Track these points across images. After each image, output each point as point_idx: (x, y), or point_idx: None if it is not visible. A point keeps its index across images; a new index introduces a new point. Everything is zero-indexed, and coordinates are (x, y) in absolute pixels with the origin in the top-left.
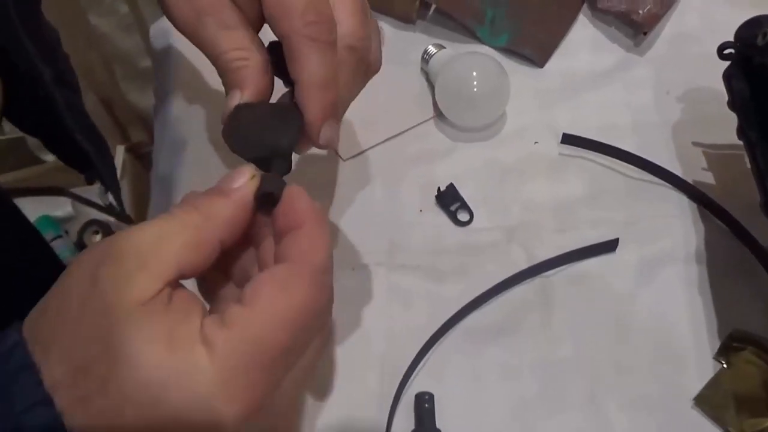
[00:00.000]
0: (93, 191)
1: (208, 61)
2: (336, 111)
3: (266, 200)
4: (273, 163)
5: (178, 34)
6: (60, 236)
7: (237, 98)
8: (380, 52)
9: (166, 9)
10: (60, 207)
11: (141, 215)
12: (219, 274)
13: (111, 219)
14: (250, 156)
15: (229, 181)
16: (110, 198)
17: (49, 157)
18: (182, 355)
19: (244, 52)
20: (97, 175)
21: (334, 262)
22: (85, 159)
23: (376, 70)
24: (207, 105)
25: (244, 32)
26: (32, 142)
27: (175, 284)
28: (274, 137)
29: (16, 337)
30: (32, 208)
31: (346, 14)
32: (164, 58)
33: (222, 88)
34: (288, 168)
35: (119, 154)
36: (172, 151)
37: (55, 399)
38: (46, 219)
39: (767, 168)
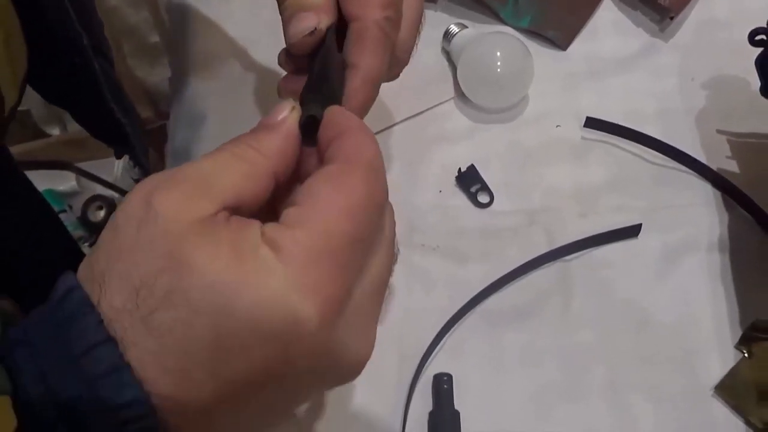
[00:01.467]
0: (98, 166)
1: (225, 36)
2: (367, 109)
3: (310, 126)
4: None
5: (196, 7)
6: (64, 211)
7: (313, 22)
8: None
9: None
10: (64, 181)
11: None
12: (270, 216)
13: (115, 194)
14: (314, 84)
15: (272, 116)
16: (138, 173)
17: (55, 131)
18: (250, 258)
19: None
20: (127, 149)
21: None
22: (117, 131)
23: (396, 77)
24: (224, 80)
25: None
26: (38, 114)
27: (231, 212)
28: (336, 80)
29: (70, 282)
30: (36, 182)
31: (409, 23)
32: (180, 32)
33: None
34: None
35: None
36: (189, 125)
37: (117, 331)
38: (50, 193)
39: None
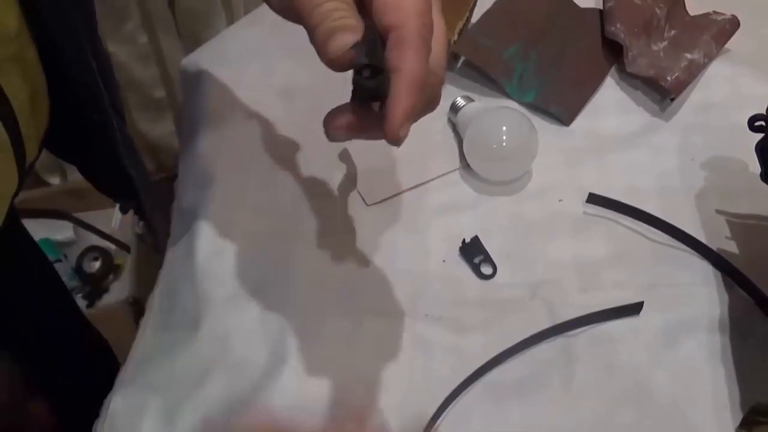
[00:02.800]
0: (96, 216)
1: (236, 98)
2: (414, 116)
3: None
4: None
5: (208, 69)
6: (59, 260)
7: (351, 39)
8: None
9: None
10: (61, 231)
11: (142, 244)
12: None
13: (112, 246)
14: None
15: None
16: (142, 227)
17: (55, 180)
18: None
19: (346, 7)
20: (134, 203)
21: (356, 307)
22: (126, 187)
23: (434, 108)
24: (235, 141)
25: None
26: (39, 163)
27: None
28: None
29: None
30: (33, 231)
31: (441, 38)
32: (192, 93)
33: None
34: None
35: None
36: (197, 185)
37: None
38: (46, 242)
39: None
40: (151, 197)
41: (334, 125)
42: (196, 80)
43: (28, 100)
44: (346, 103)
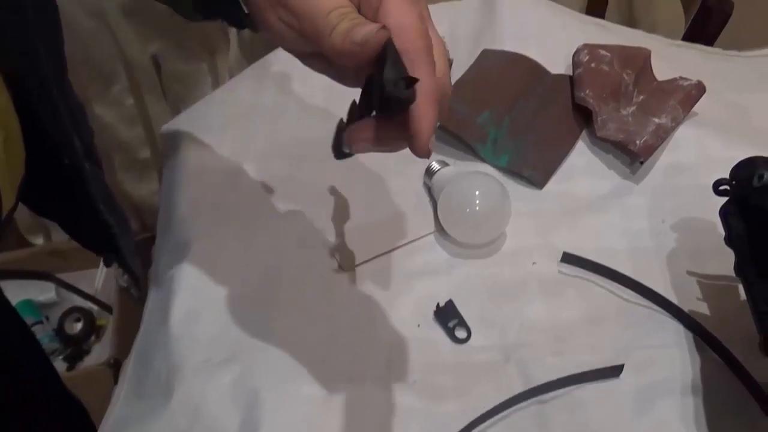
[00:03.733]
0: (79, 277)
1: (215, 164)
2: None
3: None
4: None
5: (188, 134)
6: (40, 322)
7: (374, 29)
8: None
9: None
10: (43, 292)
11: (125, 305)
12: None
13: (94, 307)
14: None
15: None
16: (127, 280)
17: (39, 240)
18: None
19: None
20: (115, 256)
21: (331, 374)
22: (105, 234)
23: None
24: (212, 207)
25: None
26: (23, 223)
27: None
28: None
29: None
30: (15, 292)
31: (437, 54)
32: (172, 157)
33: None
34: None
35: None
36: (173, 250)
37: None
38: (28, 303)
39: (766, 307)
40: (132, 245)
41: (358, 137)
42: (175, 146)
43: (1, 145)
44: (369, 117)
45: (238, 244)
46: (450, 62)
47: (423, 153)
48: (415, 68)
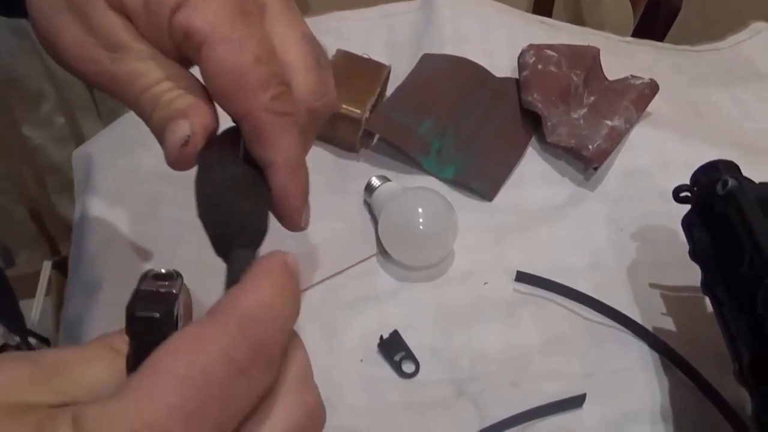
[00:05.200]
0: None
1: (130, 190)
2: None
3: None
4: (237, 252)
5: (101, 159)
6: None
7: (186, 129)
8: (334, 93)
9: (53, 44)
10: None
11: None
12: None
13: (33, 340)
14: (218, 231)
15: None
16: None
17: None
18: None
19: (179, 83)
20: None
21: None
22: None
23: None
24: (126, 242)
25: (172, 62)
26: None
27: None
28: (250, 217)
29: None
30: None
31: (302, 71)
32: (84, 186)
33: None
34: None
35: (45, 270)
36: (83, 291)
37: None
38: None
39: (739, 331)
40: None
41: None
42: (87, 171)
43: None
44: None
45: None
46: (388, 70)
47: (298, 229)
48: (263, 143)
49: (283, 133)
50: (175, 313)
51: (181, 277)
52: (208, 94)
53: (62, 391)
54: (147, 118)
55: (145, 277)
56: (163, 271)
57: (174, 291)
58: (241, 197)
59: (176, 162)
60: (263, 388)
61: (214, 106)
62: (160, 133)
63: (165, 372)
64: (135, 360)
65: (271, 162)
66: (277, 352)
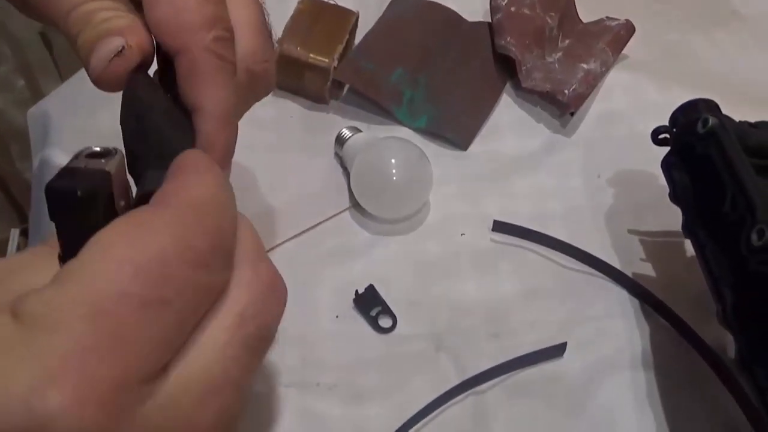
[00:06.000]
0: None
1: None
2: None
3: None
4: (149, 172)
5: (57, 118)
6: None
7: (118, 42)
8: (275, 74)
9: None
10: None
11: None
12: None
13: None
14: (134, 149)
15: None
16: None
17: None
18: None
19: (114, 4)
20: None
21: None
22: None
23: (267, 94)
24: None
25: None
26: None
27: None
28: (167, 146)
29: None
30: None
31: (247, 32)
32: (40, 147)
33: None
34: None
35: (13, 238)
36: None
37: None
38: None
39: (721, 272)
40: None
41: None
42: (43, 132)
43: None
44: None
45: None
46: (356, 16)
47: None
48: (197, 83)
49: (219, 77)
50: (110, 194)
51: (121, 155)
52: (144, 22)
53: (7, 297)
54: (74, 38)
55: (78, 155)
56: (97, 148)
57: (106, 169)
58: (168, 123)
59: (102, 76)
60: (222, 283)
61: (150, 33)
62: (86, 53)
63: (114, 258)
64: (66, 247)
65: (200, 106)
66: (233, 243)
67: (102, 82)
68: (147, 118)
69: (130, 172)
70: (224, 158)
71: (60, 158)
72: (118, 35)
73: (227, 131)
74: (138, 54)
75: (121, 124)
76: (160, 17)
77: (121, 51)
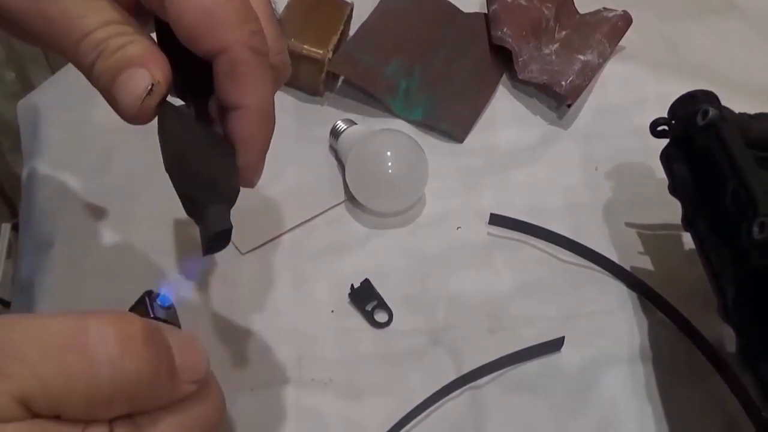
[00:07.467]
0: None
1: (81, 143)
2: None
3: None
4: (210, 209)
5: (48, 110)
6: None
7: (146, 78)
8: (290, 64)
9: None
10: None
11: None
12: None
13: None
14: (190, 191)
15: None
16: None
17: None
18: None
19: (124, 28)
20: None
21: (231, 379)
22: None
23: (281, 85)
24: (77, 197)
25: (112, 2)
26: None
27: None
28: (220, 177)
29: None
30: None
31: (265, 22)
32: (31, 140)
33: (93, 178)
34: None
35: (5, 233)
36: (35, 250)
37: None
38: None
39: (722, 266)
40: None
41: None
42: (33, 125)
43: None
44: None
45: (110, 240)
46: (350, 7)
47: (251, 185)
48: (241, 83)
49: (259, 74)
50: None
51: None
52: (155, 42)
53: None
54: (88, 68)
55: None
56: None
57: None
58: (209, 152)
59: (137, 115)
60: None
61: (165, 57)
62: (106, 84)
63: None
64: None
65: (243, 104)
66: None
67: (135, 120)
68: (189, 156)
69: (188, 214)
70: (264, 154)
71: (48, 163)
72: (138, 65)
73: (267, 127)
74: (166, 87)
75: (167, 171)
76: (191, 23)
77: (150, 89)
